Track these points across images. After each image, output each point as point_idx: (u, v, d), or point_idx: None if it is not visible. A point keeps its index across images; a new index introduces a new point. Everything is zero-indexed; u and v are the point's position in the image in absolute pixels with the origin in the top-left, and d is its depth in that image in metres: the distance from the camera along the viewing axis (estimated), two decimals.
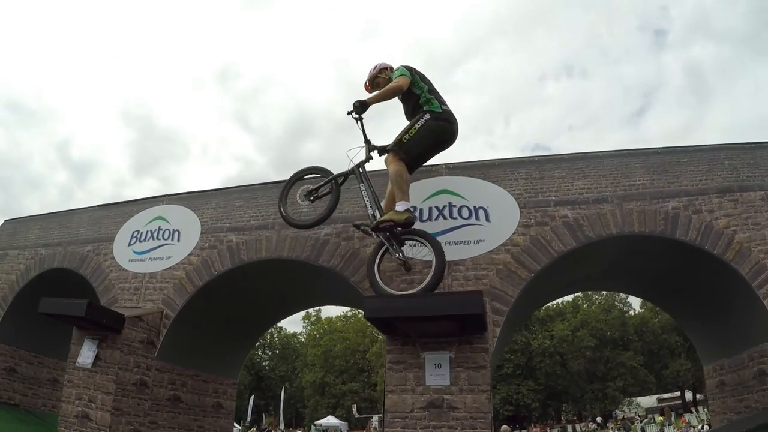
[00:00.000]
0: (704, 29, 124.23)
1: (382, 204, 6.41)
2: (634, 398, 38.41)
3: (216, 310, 9.81)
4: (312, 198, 6.85)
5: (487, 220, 7.97)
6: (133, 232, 10.32)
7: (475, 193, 8.18)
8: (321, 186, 6.78)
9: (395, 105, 6.48)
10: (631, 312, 41.77)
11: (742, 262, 7.48)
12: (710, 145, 8.63)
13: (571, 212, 7.99)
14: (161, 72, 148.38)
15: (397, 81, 6.06)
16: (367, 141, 6.50)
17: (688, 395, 37.93)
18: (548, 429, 36.13)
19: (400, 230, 6.03)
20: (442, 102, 6.21)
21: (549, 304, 36.42)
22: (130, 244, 10.21)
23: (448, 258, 6.60)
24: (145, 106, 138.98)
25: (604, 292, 39.31)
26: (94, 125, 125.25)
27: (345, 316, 49.39)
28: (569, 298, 38.05)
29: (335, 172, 6.73)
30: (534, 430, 35.07)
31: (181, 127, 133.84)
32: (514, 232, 7.89)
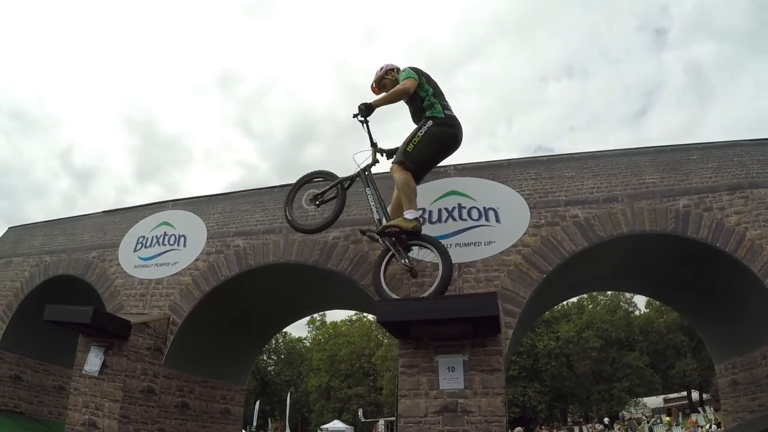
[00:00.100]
0: (705, 28, 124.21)
1: (388, 209, 6.36)
2: (640, 399, 38.26)
3: (223, 315, 9.74)
4: (318, 202, 6.78)
5: (497, 221, 7.89)
6: (139, 238, 10.27)
7: (485, 194, 8.10)
8: (327, 190, 6.71)
9: (399, 107, 6.42)
10: (637, 312, 41.60)
11: (754, 259, 7.43)
12: (719, 142, 8.57)
13: (582, 212, 7.91)
14: (163, 78, 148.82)
15: (404, 84, 5.98)
16: (372, 144, 6.45)
17: (695, 395, 37.74)
18: (555, 431, 35.97)
19: (406, 236, 5.96)
20: (445, 107, 6.11)
21: (554, 306, 36.28)
22: (135, 250, 10.15)
23: (458, 260, 6.55)
24: (148, 113, 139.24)
25: (609, 293, 39.19)
26: (97, 132, 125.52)
27: (350, 320, 49.32)
28: (574, 299, 37.87)
29: (341, 175, 6.67)
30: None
31: (183, 133, 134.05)
32: (525, 233, 7.81)
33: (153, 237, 10.11)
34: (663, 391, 39.28)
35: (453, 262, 6.10)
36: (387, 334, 43.23)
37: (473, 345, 6.40)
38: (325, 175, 6.86)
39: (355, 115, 6.09)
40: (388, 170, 6.17)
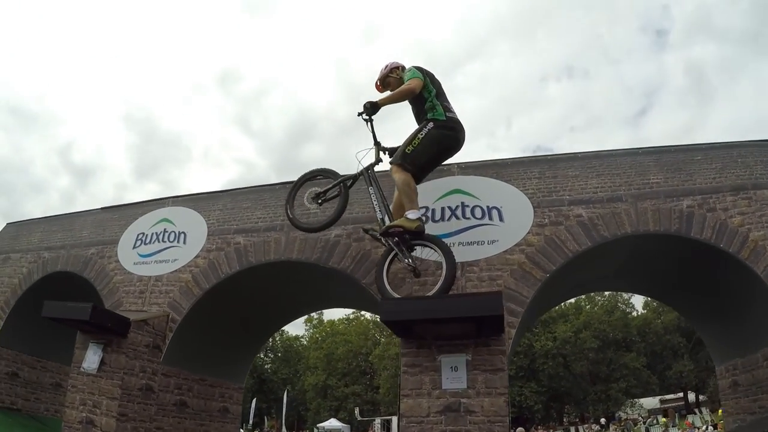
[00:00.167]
0: (706, 28, 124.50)
1: (391, 208, 6.31)
2: (636, 400, 38.29)
3: (223, 313, 9.68)
4: (320, 201, 6.73)
5: (501, 219, 7.85)
6: (138, 235, 10.19)
7: (488, 193, 8.06)
8: (329, 189, 6.66)
9: (400, 106, 6.36)
10: (634, 313, 41.69)
11: (757, 260, 7.42)
12: (723, 143, 8.57)
13: (586, 211, 7.88)
14: (163, 76, 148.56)
15: (410, 83, 5.93)
16: (376, 143, 6.40)
17: (691, 396, 37.82)
18: (551, 431, 35.97)
19: (409, 236, 5.92)
20: (447, 108, 6.05)
21: (555, 306, 36.27)
22: (134, 247, 10.08)
23: (461, 259, 6.49)
24: (147, 110, 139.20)
25: (606, 293, 39.22)
26: (96, 129, 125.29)
27: (347, 319, 49.28)
28: (572, 299, 37.88)
29: (342, 174, 6.63)
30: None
31: (182, 131, 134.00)
32: (528, 232, 7.78)
33: (153, 234, 10.04)
34: (659, 392, 39.33)
35: (456, 261, 6.05)
36: (384, 332, 43.43)
37: (476, 344, 6.36)
38: (327, 173, 6.80)
39: (360, 114, 6.04)
40: (389, 172, 6.13)
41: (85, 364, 8.24)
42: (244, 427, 32.22)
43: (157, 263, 9.66)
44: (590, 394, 37.35)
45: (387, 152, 6.37)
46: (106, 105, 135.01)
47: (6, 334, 11.11)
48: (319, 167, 6.94)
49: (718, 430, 18.91)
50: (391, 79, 6.43)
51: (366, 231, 6.86)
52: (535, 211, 7.94)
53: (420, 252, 6.15)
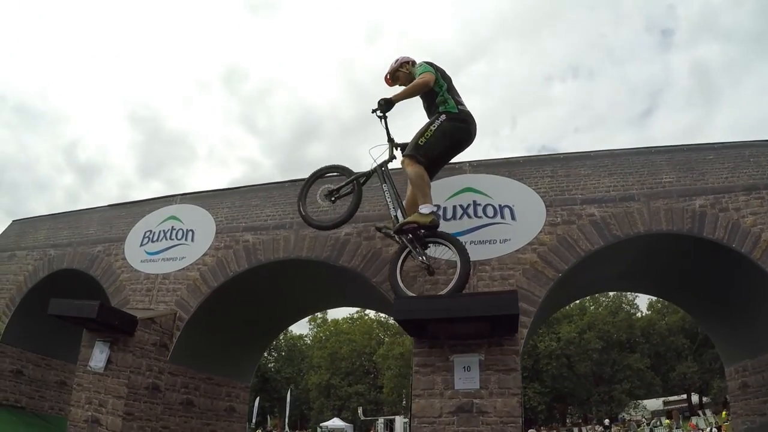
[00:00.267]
0: (711, 29, 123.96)
1: (404, 205, 6.25)
2: (640, 401, 38.15)
3: (231, 311, 9.61)
4: (333, 198, 6.69)
5: (513, 218, 7.78)
6: (145, 233, 10.14)
7: (500, 192, 8.00)
8: (342, 186, 6.61)
9: (410, 104, 6.31)
10: (638, 314, 41.52)
11: None
12: (735, 142, 8.51)
13: (598, 210, 7.81)
14: (168, 74, 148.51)
15: (423, 77, 5.91)
16: (390, 140, 6.36)
17: (695, 398, 37.66)
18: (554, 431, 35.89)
19: (423, 233, 5.87)
20: (458, 102, 6.05)
21: (566, 306, 36.12)
22: (142, 245, 10.02)
23: (473, 258, 6.40)
24: (152, 109, 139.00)
25: (611, 294, 39.09)
26: (101, 128, 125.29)
27: (351, 318, 49.22)
28: (576, 300, 37.79)
29: (353, 171, 6.58)
30: None
31: (187, 130, 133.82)
32: (541, 231, 7.71)
33: (160, 231, 9.98)
34: (663, 394, 39.14)
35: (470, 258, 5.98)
36: (388, 332, 43.37)
37: (489, 344, 6.30)
38: (340, 170, 6.76)
39: (374, 111, 6.02)
40: (401, 165, 6.07)
41: (91, 363, 8.18)
42: (247, 426, 32.20)
43: (164, 261, 9.59)
44: (593, 395, 37.24)
45: (400, 149, 6.31)
46: (111, 103, 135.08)
47: (11, 331, 11.06)
48: (331, 164, 6.89)
49: None
50: (400, 73, 6.42)
51: (379, 229, 6.78)
52: (547, 210, 7.86)
53: (433, 251, 6.10)
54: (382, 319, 44.72)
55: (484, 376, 6.20)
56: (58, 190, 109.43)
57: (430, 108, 6.13)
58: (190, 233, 9.65)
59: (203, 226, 9.60)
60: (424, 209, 5.72)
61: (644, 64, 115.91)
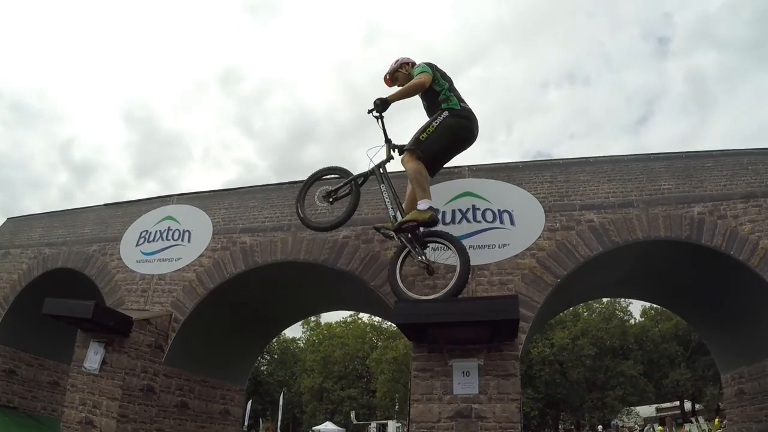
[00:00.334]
0: (707, 37, 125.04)
1: (403, 205, 6.22)
2: (632, 408, 38.17)
3: (227, 313, 9.56)
4: (331, 199, 6.68)
5: (512, 223, 7.77)
6: (141, 233, 10.06)
7: (500, 196, 7.99)
8: (340, 187, 6.59)
9: (409, 105, 6.30)
10: (632, 321, 41.60)
11: (766, 268, 7.37)
12: (734, 150, 8.54)
13: (597, 216, 7.82)
14: (164, 75, 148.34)
15: (419, 78, 5.92)
16: (387, 140, 6.34)
17: (687, 405, 37.74)
18: None
19: (423, 232, 5.86)
20: (461, 99, 6.07)
21: (563, 311, 36.09)
22: (137, 245, 9.95)
23: (471, 262, 6.36)
24: (148, 109, 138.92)
25: (604, 300, 39.17)
26: (97, 127, 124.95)
27: (344, 322, 49.01)
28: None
29: (351, 172, 6.55)
30: None
31: (183, 130, 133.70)
32: (540, 236, 7.71)
33: (156, 231, 9.90)
34: (656, 401, 39.19)
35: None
36: (381, 336, 43.25)
37: (489, 349, 6.30)
38: (338, 172, 6.74)
39: (370, 111, 6.00)
40: (400, 162, 6.05)
41: (86, 364, 8.10)
42: (240, 429, 32.03)
43: (160, 262, 9.52)
44: (586, 402, 37.23)
45: (398, 150, 6.30)
46: (107, 103, 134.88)
47: (4, 330, 10.97)
48: (329, 165, 6.87)
49: None
50: (399, 74, 6.43)
51: (377, 229, 6.75)
52: (546, 216, 7.87)
53: (432, 255, 6.07)
54: (376, 323, 44.64)
55: (483, 381, 6.19)
56: (53, 188, 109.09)
57: (431, 107, 6.13)
58: (187, 234, 9.58)
59: (200, 227, 9.54)
60: (422, 205, 5.68)
61: (640, 72, 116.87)
